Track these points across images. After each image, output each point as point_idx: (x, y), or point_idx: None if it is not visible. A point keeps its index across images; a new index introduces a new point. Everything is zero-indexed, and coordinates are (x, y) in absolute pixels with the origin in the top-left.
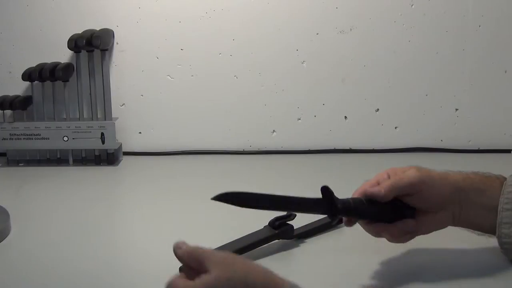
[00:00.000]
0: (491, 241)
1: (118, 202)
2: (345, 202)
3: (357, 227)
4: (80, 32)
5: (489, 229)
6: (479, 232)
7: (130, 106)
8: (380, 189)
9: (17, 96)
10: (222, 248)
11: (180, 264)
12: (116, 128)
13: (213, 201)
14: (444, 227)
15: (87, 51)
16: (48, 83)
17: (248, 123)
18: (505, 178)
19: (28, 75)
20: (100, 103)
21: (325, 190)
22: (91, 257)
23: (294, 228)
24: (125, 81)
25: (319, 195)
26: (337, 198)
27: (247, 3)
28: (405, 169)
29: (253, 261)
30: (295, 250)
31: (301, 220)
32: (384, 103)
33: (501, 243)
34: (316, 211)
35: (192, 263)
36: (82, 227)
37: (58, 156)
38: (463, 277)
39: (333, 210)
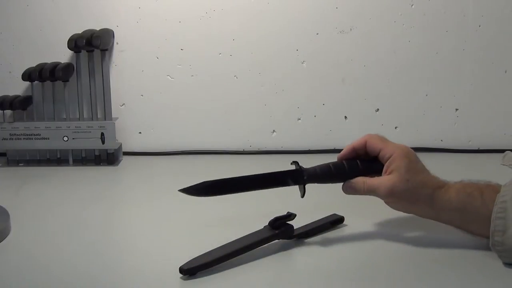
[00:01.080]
0: None
1: (118, 202)
2: (311, 170)
3: (357, 228)
4: (80, 32)
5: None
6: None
7: (130, 106)
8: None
9: (17, 96)
10: (222, 248)
11: (180, 264)
12: (116, 128)
13: (199, 196)
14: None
15: (87, 51)
16: (48, 83)
17: (248, 123)
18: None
19: (28, 75)
20: (100, 103)
21: (296, 163)
22: (91, 257)
23: (294, 228)
24: (125, 81)
25: (318, 196)
26: (305, 168)
27: (247, 3)
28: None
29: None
30: (295, 250)
31: (301, 220)
32: (384, 103)
33: (495, 250)
34: (288, 183)
35: None
36: (82, 227)
37: (58, 156)
38: (463, 278)
39: (300, 178)
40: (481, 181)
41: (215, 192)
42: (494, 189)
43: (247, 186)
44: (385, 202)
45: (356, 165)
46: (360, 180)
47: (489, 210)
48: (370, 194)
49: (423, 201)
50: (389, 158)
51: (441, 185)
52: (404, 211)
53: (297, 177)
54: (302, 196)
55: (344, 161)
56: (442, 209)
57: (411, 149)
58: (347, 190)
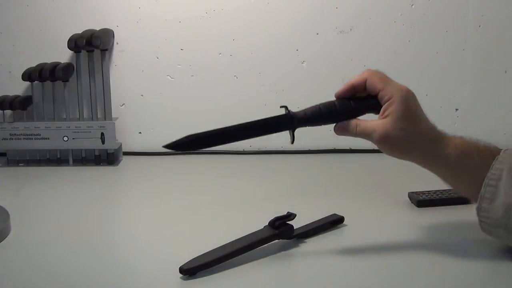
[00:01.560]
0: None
1: (118, 202)
2: (301, 113)
3: (357, 228)
4: (80, 32)
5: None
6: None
7: (130, 106)
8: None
9: (17, 96)
10: (222, 248)
11: (180, 264)
12: (116, 128)
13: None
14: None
15: (87, 51)
16: (48, 83)
17: None
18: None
19: (28, 75)
20: (100, 103)
21: (285, 108)
22: (91, 257)
23: (294, 228)
24: (125, 81)
25: (318, 196)
26: (294, 113)
27: (247, 3)
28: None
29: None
30: (295, 250)
31: (301, 220)
32: None
33: (479, 215)
34: (277, 128)
35: None
36: (82, 227)
37: (58, 156)
38: (463, 279)
39: (291, 123)
40: (481, 141)
41: (201, 145)
42: (492, 152)
43: (235, 136)
44: (378, 148)
45: (349, 104)
46: (353, 122)
47: (482, 174)
48: (362, 137)
49: (418, 152)
50: (387, 100)
51: (440, 138)
52: (398, 158)
53: (286, 122)
54: (292, 141)
55: (336, 101)
56: (436, 163)
57: (412, 92)
58: (338, 130)
